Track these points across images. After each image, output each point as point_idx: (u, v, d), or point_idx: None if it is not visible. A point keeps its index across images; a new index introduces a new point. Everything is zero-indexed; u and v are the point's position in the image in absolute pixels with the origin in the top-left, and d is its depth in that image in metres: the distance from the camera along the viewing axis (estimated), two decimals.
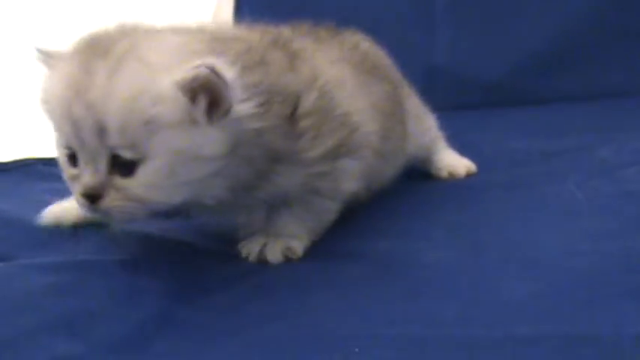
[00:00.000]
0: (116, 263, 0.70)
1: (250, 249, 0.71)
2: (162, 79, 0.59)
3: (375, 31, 0.95)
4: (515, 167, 1.00)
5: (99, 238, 0.75)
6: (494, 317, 0.55)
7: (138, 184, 0.60)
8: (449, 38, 1.52)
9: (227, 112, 0.60)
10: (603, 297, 0.57)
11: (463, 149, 1.03)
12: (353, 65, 0.80)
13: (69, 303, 0.61)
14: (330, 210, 0.73)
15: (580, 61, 1.47)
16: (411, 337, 0.53)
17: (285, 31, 0.80)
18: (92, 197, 0.61)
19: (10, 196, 0.94)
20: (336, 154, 0.69)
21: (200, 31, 0.66)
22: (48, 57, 0.64)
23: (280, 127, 0.65)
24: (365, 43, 0.90)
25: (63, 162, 0.65)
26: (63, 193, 0.75)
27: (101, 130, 0.59)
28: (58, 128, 0.62)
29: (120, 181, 0.60)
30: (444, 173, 1.00)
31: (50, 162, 0.94)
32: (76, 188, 0.62)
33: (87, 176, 0.61)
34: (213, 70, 0.58)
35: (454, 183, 0.98)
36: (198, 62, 0.59)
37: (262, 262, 0.70)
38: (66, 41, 0.64)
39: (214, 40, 0.63)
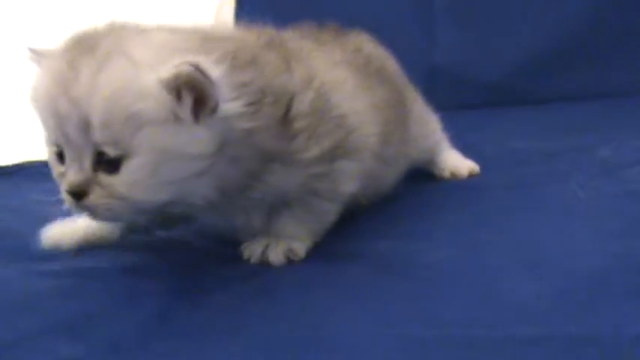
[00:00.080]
0: (117, 266, 0.70)
1: (252, 251, 0.71)
2: (147, 75, 0.59)
3: (376, 31, 0.95)
4: (516, 167, 1.00)
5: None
6: (496, 318, 0.54)
7: (122, 181, 0.60)
8: (449, 38, 1.52)
9: (214, 110, 0.60)
10: (605, 297, 0.57)
11: (465, 149, 1.03)
12: (355, 68, 0.80)
13: (70, 305, 0.61)
14: (329, 211, 0.73)
15: (581, 61, 1.47)
16: (412, 338, 0.53)
17: (287, 32, 0.80)
18: (77, 194, 0.61)
19: (10, 198, 0.94)
20: (332, 155, 0.69)
21: (191, 30, 0.65)
22: (40, 56, 0.64)
23: (273, 127, 0.64)
24: (369, 46, 0.90)
25: (51, 160, 0.65)
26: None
27: (86, 126, 0.59)
28: (45, 125, 0.62)
29: (105, 178, 0.60)
30: (446, 174, 0.99)
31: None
32: (63, 185, 0.62)
33: (72, 173, 0.61)
34: (197, 68, 0.58)
35: (456, 183, 0.98)
36: (181, 60, 0.59)
37: (264, 263, 0.70)
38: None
39: (204, 39, 0.63)
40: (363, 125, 0.73)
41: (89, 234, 0.73)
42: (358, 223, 0.79)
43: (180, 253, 0.74)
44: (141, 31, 0.63)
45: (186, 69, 0.58)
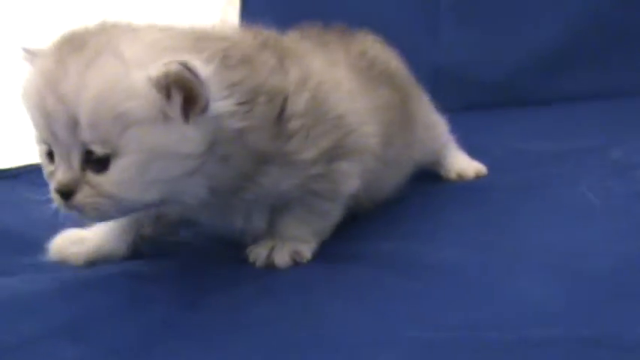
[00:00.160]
0: (119, 269, 0.70)
1: (258, 254, 0.70)
2: (136, 74, 0.58)
3: (381, 31, 0.95)
4: (524, 169, 0.99)
5: None
6: (505, 319, 0.54)
7: (110, 180, 0.59)
8: (454, 39, 1.52)
9: (204, 109, 0.59)
10: (616, 298, 0.56)
11: (471, 151, 1.02)
12: (358, 70, 0.80)
13: (72, 309, 0.61)
14: (331, 211, 0.73)
15: (587, 61, 1.46)
16: (418, 340, 0.52)
17: (290, 33, 0.79)
18: (66, 193, 0.60)
19: (14, 201, 0.94)
20: (331, 155, 0.68)
21: (183, 29, 0.65)
22: (33, 56, 0.63)
23: (266, 127, 0.64)
24: (374, 49, 0.89)
25: (42, 159, 0.64)
26: None
27: (74, 125, 0.58)
28: (35, 123, 0.62)
29: (93, 177, 0.60)
30: (452, 175, 0.99)
31: None
32: (51, 185, 0.61)
33: (60, 172, 0.60)
34: (186, 67, 0.58)
35: (463, 185, 0.97)
36: (171, 58, 0.58)
37: (270, 266, 0.69)
38: None
39: (195, 38, 0.63)
40: (362, 126, 0.72)
41: (96, 251, 0.73)
42: (364, 225, 0.79)
43: (183, 257, 0.74)
44: (131, 30, 0.62)
45: (175, 68, 0.58)
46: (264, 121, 0.63)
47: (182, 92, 0.58)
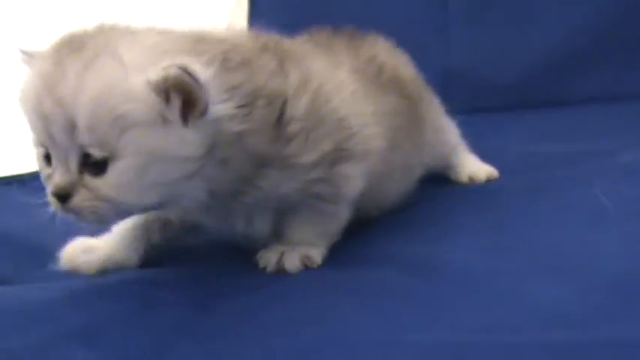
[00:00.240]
0: (132, 275, 0.70)
1: (268, 259, 0.70)
2: (135, 76, 0.58)
3: (391, 35, 0.94)
4: (536, 172, 0.98)
5: None
6: (523, 322, 0.54)
7: (108, 183, 0.59)
8: (465, 41, 1.51)
9: (203, 112, 0.59)
10: (631, 300, 0.56)
11: (482, 153, 1.02)
12: (365, 75, 0.79)
13: (84, 315, 0.61)
14: (337, 214, 0.72)
15: (598, 63, 1.46)
16: (436, 344, 0.52)
17: (298, 37, 0.79)
18: (63, 197, 0.60)
19: (23, 207, 0.94)
20: (333, 159, 0.68)
21: (182, 32, 0.64)
22: (31, 58, 0.63)
23: (266, 130, 0.63)
24: (383, 54, 0.88)
25: (39, 162, 0.64)
26: None
27: (71, 127, 0.58)
28: (32, 126, 0.61)
29: (90, 180, 0.59)
30: (464, 178, 0.99)
31: None
32: (48, 188, 0.61)
33: (58, 175, 0.60)
34: (186, 71, 0.57)
35: (474, 188, 0.97)
36: (169, 62, 0.58)
37: (280, 271, 0.69)
38: None
39: (195, 41, 0.62)
40: (365, 128, 0.72)
41: (108, 260, 0.72)
42: (374, 229, 0.79)
43: (193, 263, 0.74)
44: (130, 33, 0.62)
45: (174, 71, 0.58)
46: (264, 124, 0.63)
47: (181, 96, 0.58)
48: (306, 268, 0.70)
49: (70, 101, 0.58)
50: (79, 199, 0.59)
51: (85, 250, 0.72)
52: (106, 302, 0.63)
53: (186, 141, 0.59)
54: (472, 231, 0.77)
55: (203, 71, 0.58)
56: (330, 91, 0.69)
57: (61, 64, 0.59)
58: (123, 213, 0.62)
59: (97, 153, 0.58)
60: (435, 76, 1.02)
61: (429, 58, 1.22)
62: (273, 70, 0.65)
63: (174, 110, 0.58)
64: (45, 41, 0.62)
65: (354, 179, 0.71)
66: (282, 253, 0.70)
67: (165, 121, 0.59)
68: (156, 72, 0.58)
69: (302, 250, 0.70)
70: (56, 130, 0.59)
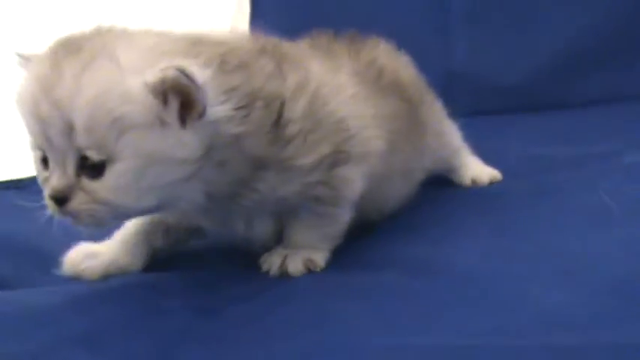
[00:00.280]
0: (135, 280, 0.70)
1: (271, 263, 0.70)
2: (132, 79, 0.58)
3: (391, 37, 0.94)
4: (539, 174, 0.98)
5: None
6: (529, 326, 0.53)
7: (106, 186, 0.59)
8: (467, 44, 1.51)
9: (201, 114, 0.59)
10: (638, 303, 0.55)
11: (485, 156, 1.02)
12: (365, 79, 0.79)
13: (88, 319, 0.60)
14: (338, 216, 0.72)
15: (601, 65, 1.45)
16: (439, 347, 0.52)
17: (299, 41, 0.79)
18: (60, 200, 0.60)
19: (27, 211, 0.94)
20: (333, 161, 0.68)
21: (180, 34, 0.64)
22: (27, 61, 0.63)
23: (263, 133, 0.63)
24: (384, 58, 0.88)
25: (36, 165, 0.63)
26: None
27: (69, 130, 0.58)
28: (29, 129, 0.61)
29: (88, 183, 0.59)
30: (467, 181, 0.98)
31: None
32: (46, 191, 0.61)
33: (55, 178, 0.60)
34: (183, 72, 0.57)
35: (477, 191, 0.96)
36: (167, 64, 0.58)
37: (284, 275, 0.69)
38: None
39: (192, 43, 0.62)
40: (363, 130, 0.71)
41: (111, 265, 0.72)
42: (377, 232, 0.79)
43: (196, 267, 0.73)
44: (127, 35, 0.62)
45: (171, 73, 0.57)
46: (262, 127, 0.63)
47: (179, 97, 0.58)
48: (309, 271, 0.70)
49: (67, 104, 0.57)
50: (76, 202, 0.59)
51: (88, 256, 0.72)
52: (108, 307, 0.63)
53: (184, 143, 0.59)
54: (475, 233, 0.77)
55: (201, 73, 0.58)
56: (328, 93, 0.69)
57: (58, 67, 0.58)
58: (121, 216, 0.62)
59: (94, 156, 0.58)
60: (437, 78, 1.02)
61: (430, 60, 1.22)
62: (271, 73, 0.65)
63: (172, 112, 0.58)
64: (42, 44, 0.62)
65: (353, 181, 0.71)
66: (286, 257, 0.70)
67: (162, 123, 0.58)
68: (153, 74, 0.58)
69: (305, 253, 0.70)
70: (53, 132, 0.58)
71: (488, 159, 1.02)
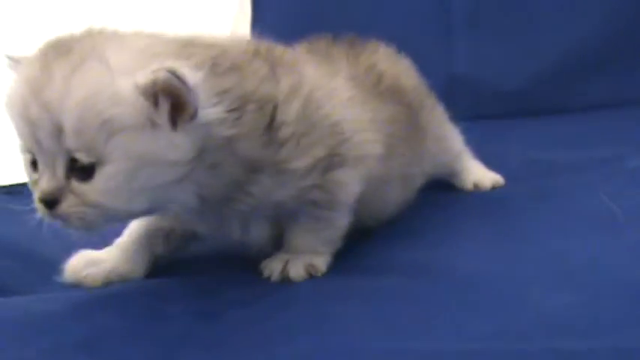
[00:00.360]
0: (137, 286, 0.69)
1: (272, 268, 0.70)
2: (122, 80, 0.57)
3: (392, 41, 0.94)
4: (541, 179, 0.98)
5: None
6: (532, 330, 0.53)
7: (95, 189, 0.58)
8: (468, 48, 1.51)
9: (192, 116, 0.59)
10: None
11: (486, 160, 1.02)
12: (363, 84, 0.79)
13: (88, 325, 0.60)
14: (337, 220, 0.72)
15: (601, 69, 1.46)
16: (440, 351, 0.52)
17: (298, 46, 0.79)
18: (50, 202, 0.59)
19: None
20: (328, 164, 0.68)
21: (171, 36, 0.64)
22: (16, 63, 0.62)
23: (256, 135, 0.63)
24: (384, 63, 0.88)
25: (26, 168, 0.63)
26: None
27: (58, 132, 0.57)
28: (18, 131, 0.61)
29: (78, 186, 0.59)
30: (469, 185, 0.98)
31: None
32: (35, 194, 0.60)
33: (44, 181, 0.59)
34: (174, 74, 0.57)
35: (480, 195, 0.97)
36: (158, 66, 0.58)
37: (285, 280, 0.69)
38: None
39: (183, 45, 0.62)
40: (359, 133, 0.71)
41: (113, 272, 0.72)
42: (378, 236, 0.78)
43: (197, 273, 0.73)
44: (118, 36, 0.62)
45: (162, 75, 0.57)
46: (254, 129, 0.63)
47: (170, 99, 0.58)
48: (311, 276, 0.69)
49: (57, 106, 0.57)
50: (66, 205, 0.59)
51: (89, 263, 0.72)
52: (108, 313, 0.63)
53: (175, 145, 0.59)
54: (476, 237, 0.77)
55: (192, 75, 0.58)
56: (322, 97, 0.69)
57: (48, 69, 0.58)
58: (111, 219, 0.61)
59: (84, 158, 0.58)
60: (438, 82, 1.02)
61: (432, 64, 1.22)
62: (264, 76, 0.65)
63: (163, 114, 0.58)
64: (31, 46, 0.62)
65: (348, 185, 0.70)
66: (287, 262, 0.70)
67: (153, 125, 0.58)
68: (144, 75, 0.57)
69: (306, 258, 0.70)
70: (43, 135, 0.58)
71: (489, 163, 1.02)
